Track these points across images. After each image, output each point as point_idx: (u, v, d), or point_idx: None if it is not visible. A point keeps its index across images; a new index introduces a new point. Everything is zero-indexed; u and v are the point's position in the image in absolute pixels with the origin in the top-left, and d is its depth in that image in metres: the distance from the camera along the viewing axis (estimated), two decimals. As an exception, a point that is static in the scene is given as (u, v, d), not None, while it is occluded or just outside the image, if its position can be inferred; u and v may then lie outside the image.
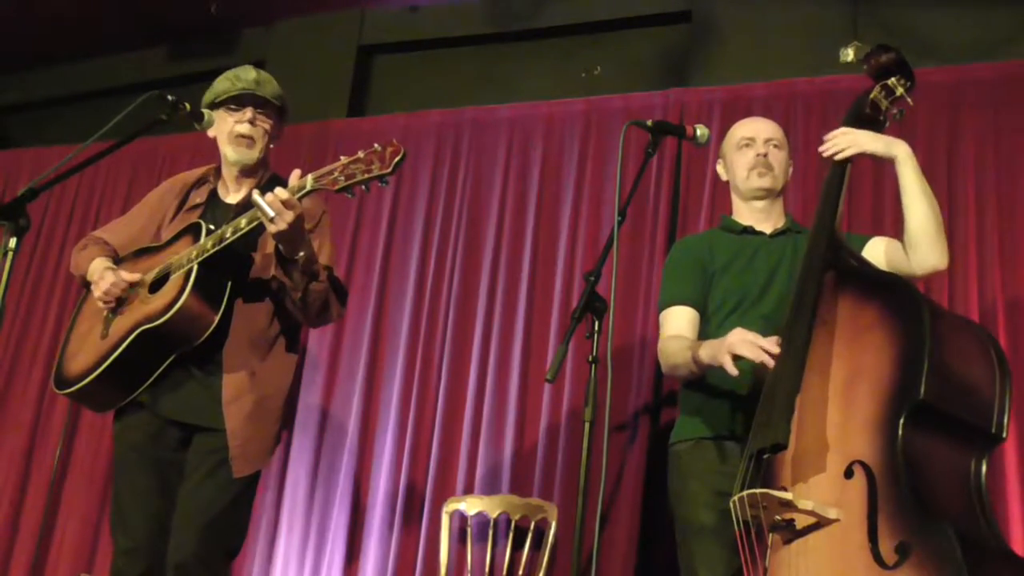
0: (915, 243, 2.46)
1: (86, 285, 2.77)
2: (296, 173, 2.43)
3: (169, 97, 2.50)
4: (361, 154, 2.33)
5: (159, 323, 2.49)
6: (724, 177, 2.84)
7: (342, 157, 2.38)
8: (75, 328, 2.77)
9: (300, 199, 2.39)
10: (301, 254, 2.46)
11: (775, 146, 2.73)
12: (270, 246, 2.53)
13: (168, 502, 2.55)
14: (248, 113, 2.68)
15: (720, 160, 2.86)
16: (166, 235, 2.74)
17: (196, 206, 2.75)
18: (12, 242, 2.15)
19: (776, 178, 2.72)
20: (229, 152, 2.71)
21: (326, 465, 4.06)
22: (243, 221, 2.48)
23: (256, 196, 2.35)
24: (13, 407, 4.64)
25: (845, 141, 2.48)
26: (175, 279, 2.55)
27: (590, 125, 4.13)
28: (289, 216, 2.35)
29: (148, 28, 5.14)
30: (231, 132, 2.68)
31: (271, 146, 2.77)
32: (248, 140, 2.69)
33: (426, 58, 4.88)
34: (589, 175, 4.05)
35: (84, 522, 4.26)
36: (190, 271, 2.51)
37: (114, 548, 2.60)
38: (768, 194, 2.72)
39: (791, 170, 2.82)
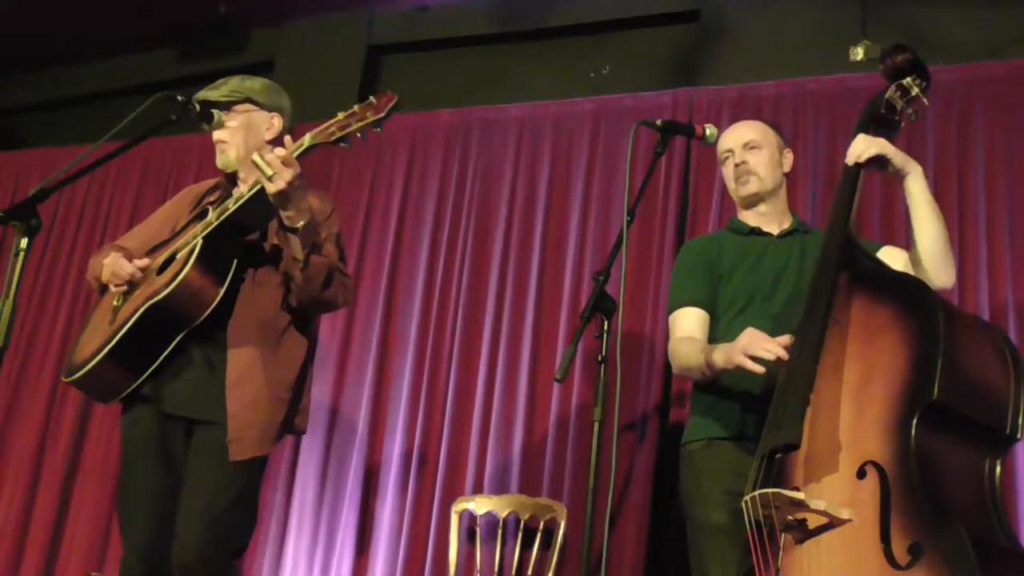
0: (924, 263, 2.43)
1: (101, 291, 2.76)
2: (289, 138, 2.47)
3: (179, 98, 2.52)
4: (356, 108, 2.41)
5: (163, 296, 2.48)
6: None
7: (339, 113, 2.43)
8: (87, 326, 2.76)
9: (299, 158, 2.39)
10: (302, 222, 2.43)
11: (753, 148, 2.70)
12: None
13: (177, 497, 2.52)
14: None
15: None
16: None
17: (210, 204, 2.75)
18: (23, 242, 2.16)
19: (762, 180, 2.69)
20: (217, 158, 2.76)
21: (335, 465, 4.06)
22: (244, 188, 2.52)
23: (256, 156, 2.37)
24: (24, 406, 4.66)
25: (865, 143, 2.44)
26: (181, 256, 2.57)
27: (599, 125, 4.13)
28: (288, 174, 2.33)
29: (157, 29, 5.15)
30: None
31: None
32: (223, 144, 2.71)
33: (435, 58, 4.88)
34: (598, 175, 4.05)
35: (94, 522, 4.27)
36: (195, 247, 2.52)
37: (124, 545, 2.57)
38: (757, 197, 2.71)
39: (788, 161, 2.76)
